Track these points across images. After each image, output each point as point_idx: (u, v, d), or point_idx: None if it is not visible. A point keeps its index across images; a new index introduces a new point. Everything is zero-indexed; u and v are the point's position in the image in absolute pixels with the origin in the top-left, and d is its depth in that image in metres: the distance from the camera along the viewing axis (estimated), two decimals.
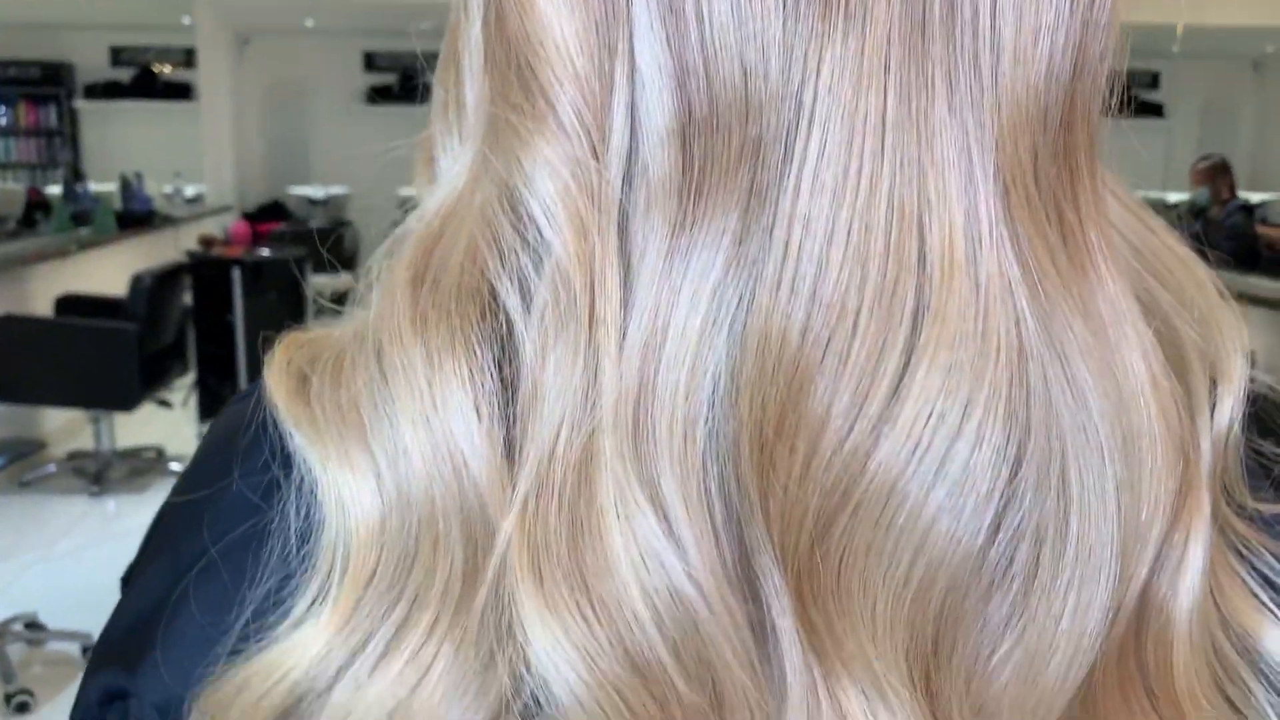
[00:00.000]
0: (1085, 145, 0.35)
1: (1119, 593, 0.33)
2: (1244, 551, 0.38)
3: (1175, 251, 0.39)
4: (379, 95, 9.91)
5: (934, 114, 0.32)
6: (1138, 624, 0.34)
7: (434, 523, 0.33)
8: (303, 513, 0.35)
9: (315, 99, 9.87)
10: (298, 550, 0.35)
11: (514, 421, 0.34)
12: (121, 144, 9.51)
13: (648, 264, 0.33)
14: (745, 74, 0.32)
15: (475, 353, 0.34)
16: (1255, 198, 7.64)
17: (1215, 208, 5.90)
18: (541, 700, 0.32)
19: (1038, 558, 0.32)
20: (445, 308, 0.34)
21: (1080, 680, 0.32)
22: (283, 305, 4.81)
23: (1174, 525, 0.34)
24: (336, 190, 9.01)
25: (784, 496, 0.31)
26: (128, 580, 0.41)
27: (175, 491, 0.41)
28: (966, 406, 0.31)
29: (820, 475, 0.31)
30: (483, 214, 0.35)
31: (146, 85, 9.77)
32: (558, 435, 0.32)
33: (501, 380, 0.34)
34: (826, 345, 0.31)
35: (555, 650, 0.31)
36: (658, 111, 0.33)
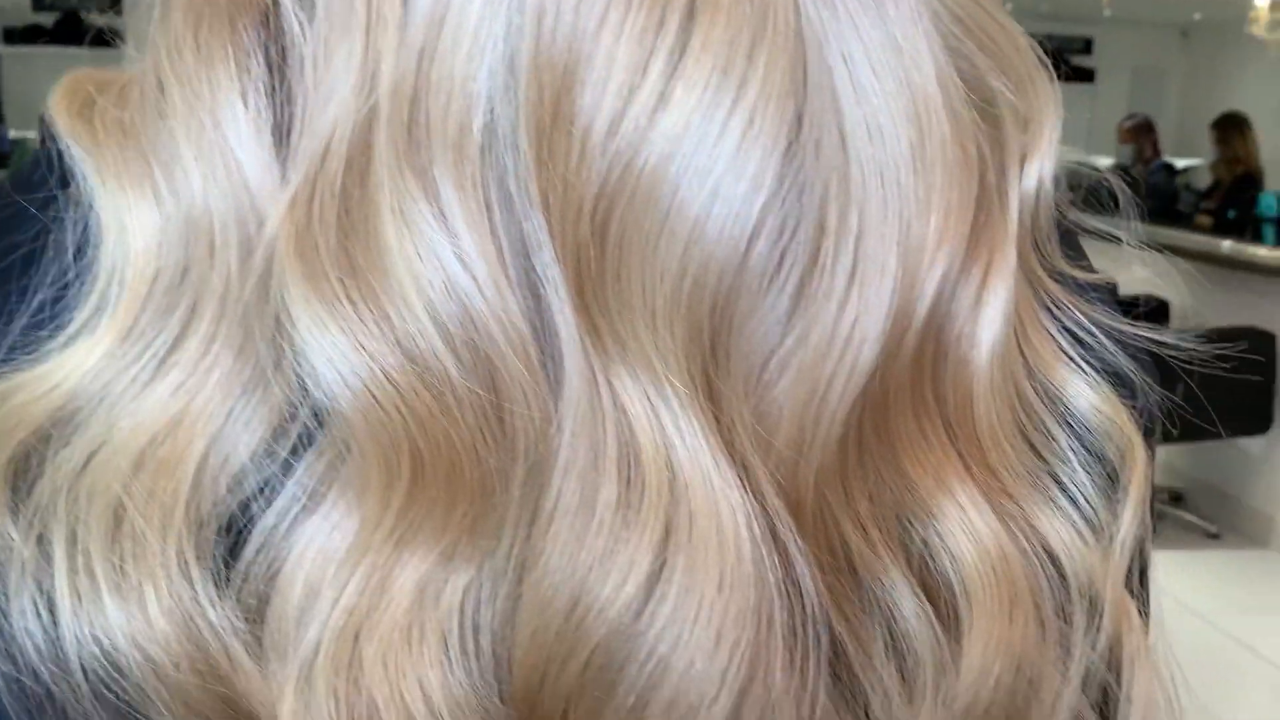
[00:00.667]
0: None
1: (904, 301, 0.32)
2: (1055, 310, 0.39)
3: (995, 18, 0.38)
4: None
5: None
6: (934, 352, 0.34)
7: (209, 229, 0.32)
8: (79, 226, 0.34)
9: None
10: (75, 263, 0.34)
11: (288, 121, 0.33)
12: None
13: None
14: None
15: (249, 54, 0.33)
16: (1180, 162, 7.77)
17: (1138, 166, 6.03)
18: (326, 405, 0.31)
19: (815, 252, 0.32)
20: (222, 14, 0.34)
21: (859, 389, 0.32)
22: None
23: (971, 254, 0.34)
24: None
25: (562, 187, 0.31)
26: None
27: None
28: (740, 86, 0.31)
29: (596, 160, 0.30)
30: None
31: (73, 32, 9.36)
32: (332, 131, 0.31)
33: (280, 83, 0.33)
34: (602, 21, 0.31)
35: (322, 336, 0.30)
36: None
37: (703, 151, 0.30)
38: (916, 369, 0.34)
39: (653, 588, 0.30)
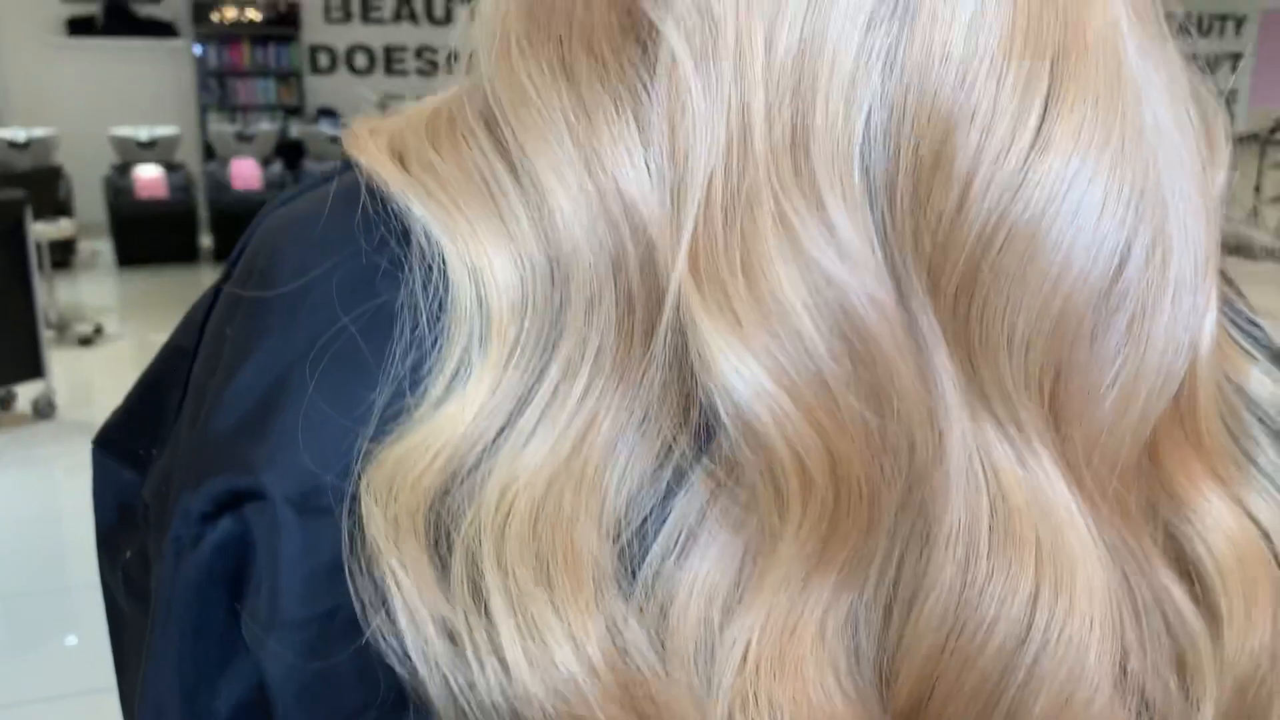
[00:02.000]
0: None
1: (1194, 327, 0.35)
2: (1223, 305, 0.41)
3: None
4: (80, 27, 9.10)
5: None
6: None
7: (588, 268, 0.32)
8: (431, 289, 0.34)
9: (3, 32, 8.93)
10: (430, 329, 0.34)
11: (668, 163, 0.33)
12: None
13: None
14: None
15: (635, 95, 0.33)
16: None
17: None
18: (714, 424, 0.32)
19: (1147, 278, 0.34)
20: (594, 51, 0.33)
21: (1171, 396, 0.35)
22: (2, 255, 4.38)
23: (1207, 272, 0.37)
24: (40, 133, 8.23)
25: (938, 228, 0.32)
26: (168, 387, 0.39)
27: (238, 284, 0.38)
28: (1107, 131, 0.33)
29: (977, 205, 0.32)
30: None
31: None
32: (712, 159, 0.32)
33: (646, 109, 0.33)
34: (978, 88, 0.32)
35: (737, 361, 0.31)
36: None
37: (1076, 192, 0.32)
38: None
39: (1034, 605, 0.32)
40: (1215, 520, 0.37)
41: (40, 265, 4.68)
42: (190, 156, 8.88)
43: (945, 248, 0.32)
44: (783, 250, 0.31)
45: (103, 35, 9.11)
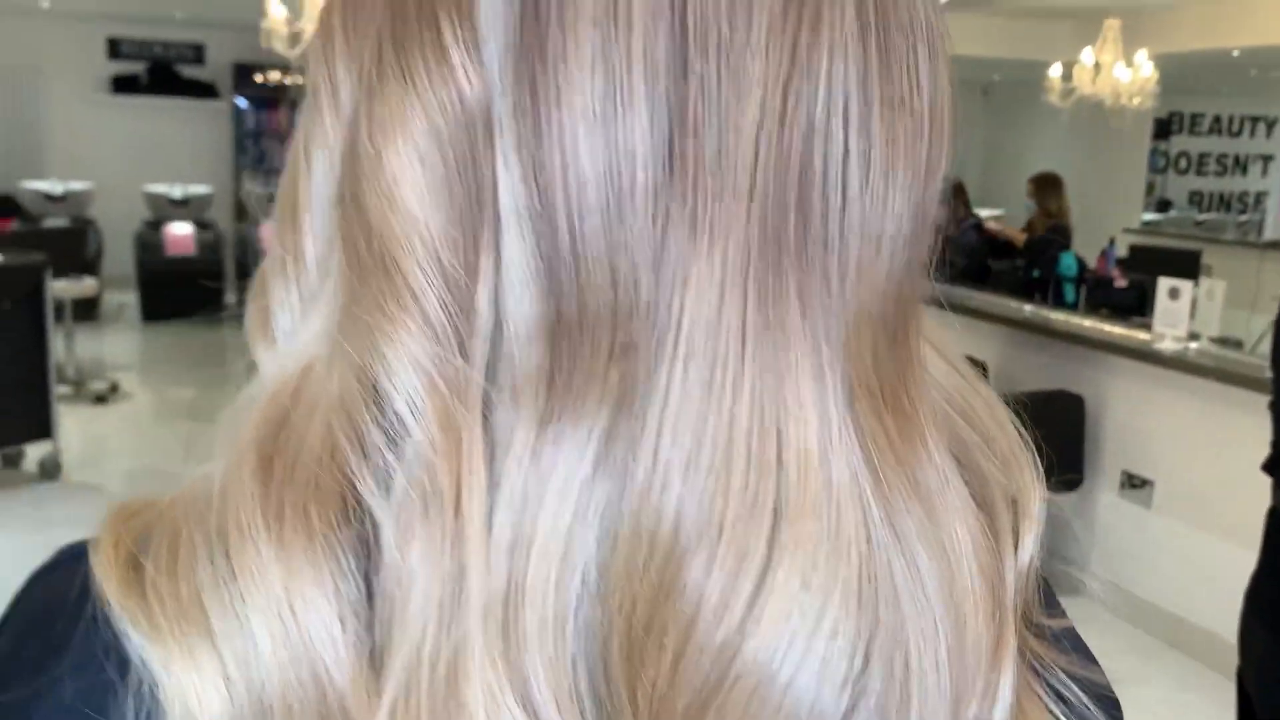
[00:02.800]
0: (914, 327, 0.38)
1: None
2: (1039, 669, 0.41)
3: (980, 394, 0.42)
4: (124, 85, 9.35)
5: (789, 323, 0.33)
6: None
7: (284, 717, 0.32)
8: (142, 718, 0.33)
9: (52, 86, 9.19)
10: None
11: (375, 623, 0.33)
12: None
13: (513, 456, 0.33)
14: (615, 283, 0.33)
15: (336, 557, 0.33)
16: (984, 213, 8.27)
17: (951, 226, 6.38)
18: None
19: (885, 705, 0.33)
20: (302, 505, 0.33)
21: None
22: (21, 315, 4.47)
23: (991, 669, 0.36)
24: (77, 186, 8.42)
25: (652, 694, 0.32)
26: None
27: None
28: (823, 605, 0.33)
29: (690, 673, 0.32)
30: (342, 404, 0.34)
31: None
32: (423, 638, 0.32)
33: (364, 579, 0.33)
34: (695, 547, 0.32)
35: None
36: (526, 309, 0.33)
37: (792, 664, 0.32)
38: None
39: None
40: None
41: (61, 319, 4.75)
42: (223, 215, 9.03)
43: (658, 711, 0.33)
44: None
45: (146, 94, 9.34)
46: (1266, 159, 13.26)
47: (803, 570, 0.33)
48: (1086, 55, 7.02)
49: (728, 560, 0.32)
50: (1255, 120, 13.04)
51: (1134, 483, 3.88)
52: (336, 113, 0.37)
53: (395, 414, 0.33)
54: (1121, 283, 5.31)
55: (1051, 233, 6.06)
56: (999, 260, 6.24)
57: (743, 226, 0.33)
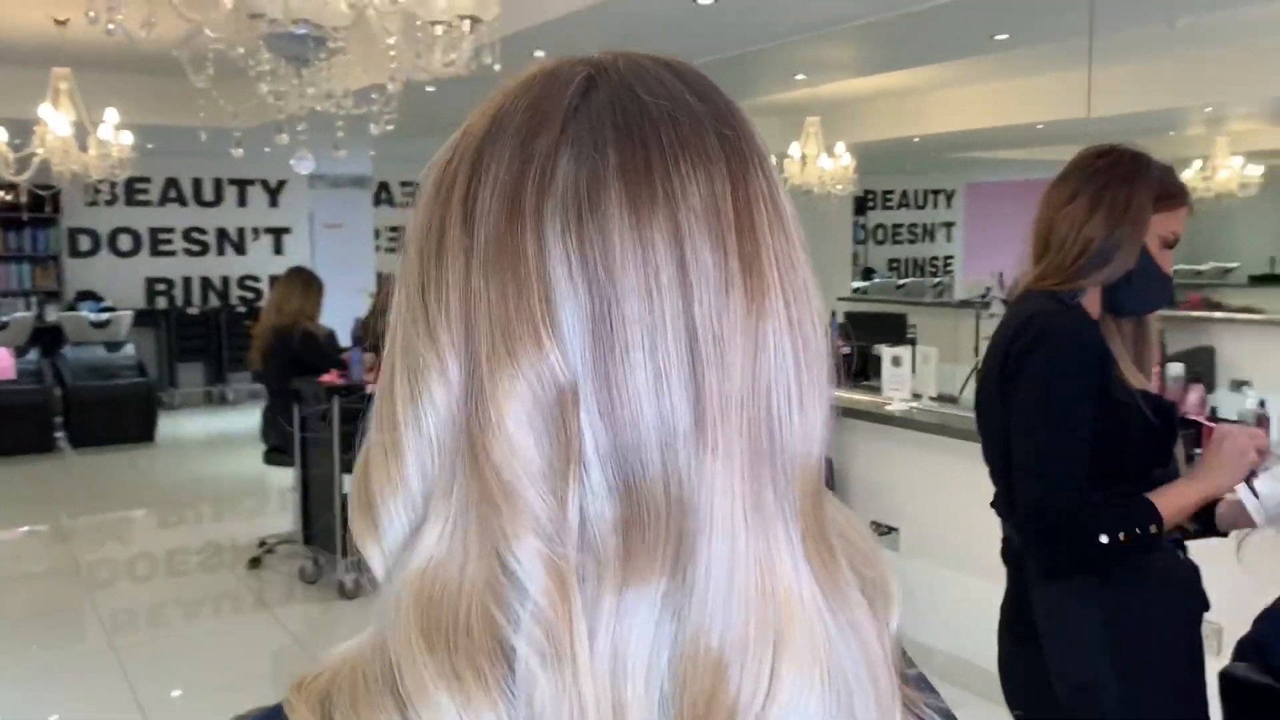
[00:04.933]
0: (823, 489, 0.52)
1: None
2: (909, 706, 0.53)
3: (853, 523, 0.56)
4: None
5: (766, 503, 0.48)
6: None
7: None
8: None
9: None
10: None
11: None
12: None
13: (604, 611, 0.46)
14: (667, 493, 0.47)
15: (507, 696, 0.45)
16: None
17: None
18: None
19: None
20: (476, 664, 0.45)
21: None
22: None
23: (891, 711, 0.50)
24: None
25: None
26: None
27: None
28: (810, 685, 0.47)
29: None
30: (489, 587, 0.46)
31: None
32: None
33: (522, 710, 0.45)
34: (733, 658, 0.46)
35: None
36: (606, 514, 0.47)
37: None
38: None
39: None
40: None
41: None
42: None
43: None
44: None
45: None
46: (949, 225, 14.89)
47: (798, 664, 0.47)
48: (794, 149, 7.76)
49: (751, 665, 0.46)
50: (936, 193, 14.66)
51: (881, 530, 4.32)
52: (447, 385, 0.48)
53: (524, 590, 0.46)
54: (845, 350, 5.62)
55: None
56: None
57: (738, 449, 0.48)
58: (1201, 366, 4.71)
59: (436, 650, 0.45)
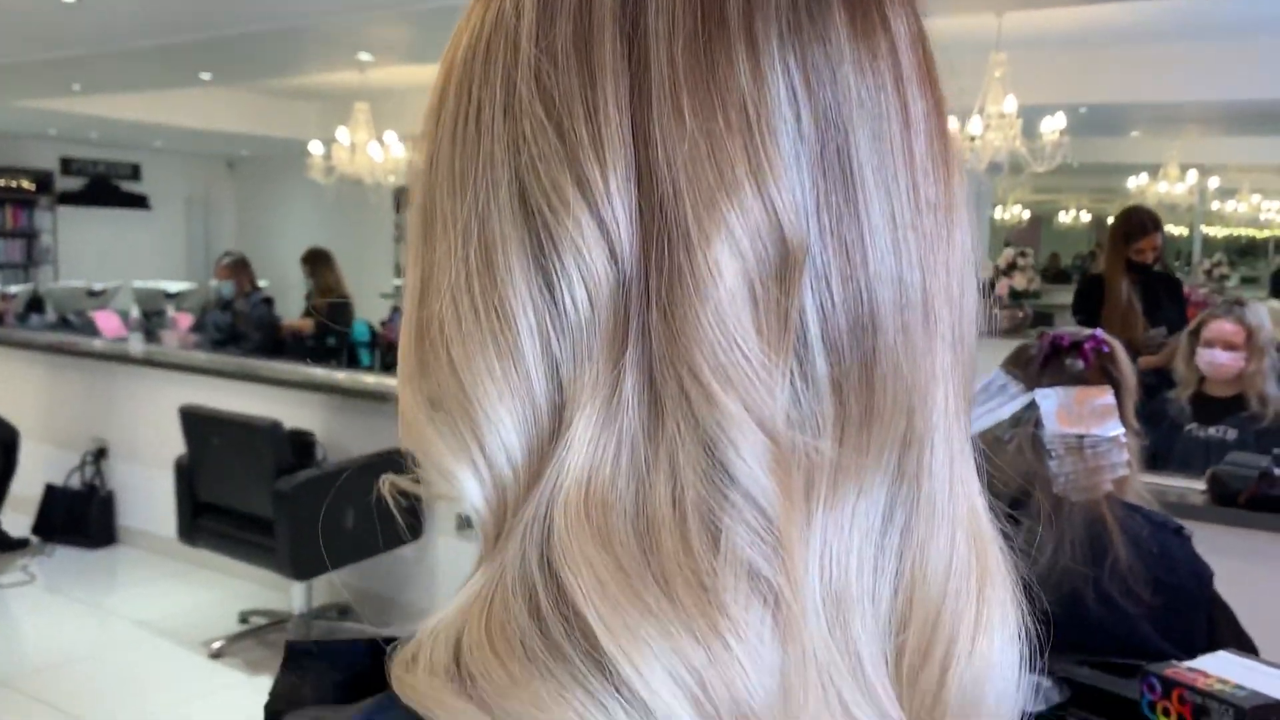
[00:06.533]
0: None
1: None
2: None
3: None
4: None
5: (960, 409, 0.42)
6: None
7: None
8: None
9: None
10: None
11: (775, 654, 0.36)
12: None
13: (819, 525, 0.38)
14: (896, 381, 0.39)
15: (729, 615, 0.35)
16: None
17: (240, 299, 6.35)
18: None
19: None
20: (692, 570, 0.35)
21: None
22: None
23: None
24: None
25: (922, 705, 0.40)
26: None
27: None
28: (1005, 621, 0.42)
29: (951, 691, 0.40)
30: (700, 497, 0.36)
31: None
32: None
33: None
34: (950, 587, 0.40)
35: None
36: (827, 408, 0.38)
37: (1006, 662, 0.41)
38: None
39: None
40: None
41: None
42: None
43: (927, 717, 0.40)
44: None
45: None
46: None
47: (1000, 601, 0.42)
48: (342, 135, 7.45)
49: (966, 598, 0.41)
50: None
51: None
52: (607, 247, 0.38)
53: (748, 495, 0.36)
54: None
55: (337, 304, 6.32)
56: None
57: (951, 338, 0.41)
58: None
59: (645, 580, 0.35)
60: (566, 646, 0.35)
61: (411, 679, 0.37)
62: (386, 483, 0.47)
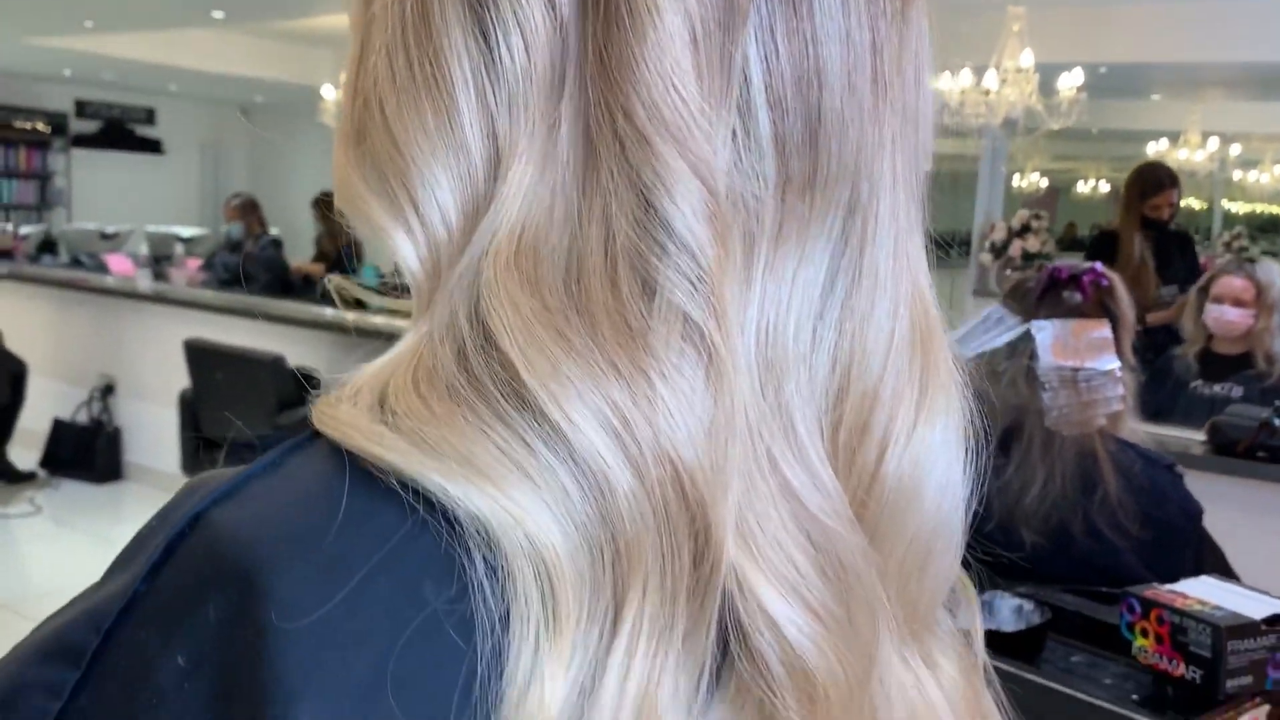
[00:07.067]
0: None
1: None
2: None
3: None
4: None
5: (911, 208, 0.41)
6: None
7: (639, 544, 0.33)
8: (491, 586, 0.33)
9: None
10: (489, 633, 0.33)
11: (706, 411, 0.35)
12: None
13: (759, 280, 0.37)
14: (842, 145, 0.38)
15: (657, 358, 0.35)
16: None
17: (249, 241, 6.35)
18: (733, 637, 0.35)
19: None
20: (619, 314, 0.35)
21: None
22: None
23: None
24: None
25: (859, 481, 0.39)
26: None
27: (220, 609, 0.33)
28: (949, 418, 0.41)
29: (889, 468, 0.39)
30: (631, 244, 0.35)
31: None
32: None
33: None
34: (884, 373, 0.39)
35: (792, 612, 0.35)
36: (769, 170, 0.37)
37: (939, 465, 0.40)
38: None
39: None
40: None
41: None
42: None
43: (864, 498, 0.39)
44: (779, 494, 0.36)
45: None
46: None
47: (941, 395, 0.41)
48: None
49: (904, 380, 0.40)
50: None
51: None
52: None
53: (682, 242, 0.35)
54: None
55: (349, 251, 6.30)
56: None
57: (899, 127, 0.40)
58: None
59: (571, 321, 0.35)
60: (489, 384, 0.35)
61: (333, 410, 0.37)
62: (332, 282, 0.47)
